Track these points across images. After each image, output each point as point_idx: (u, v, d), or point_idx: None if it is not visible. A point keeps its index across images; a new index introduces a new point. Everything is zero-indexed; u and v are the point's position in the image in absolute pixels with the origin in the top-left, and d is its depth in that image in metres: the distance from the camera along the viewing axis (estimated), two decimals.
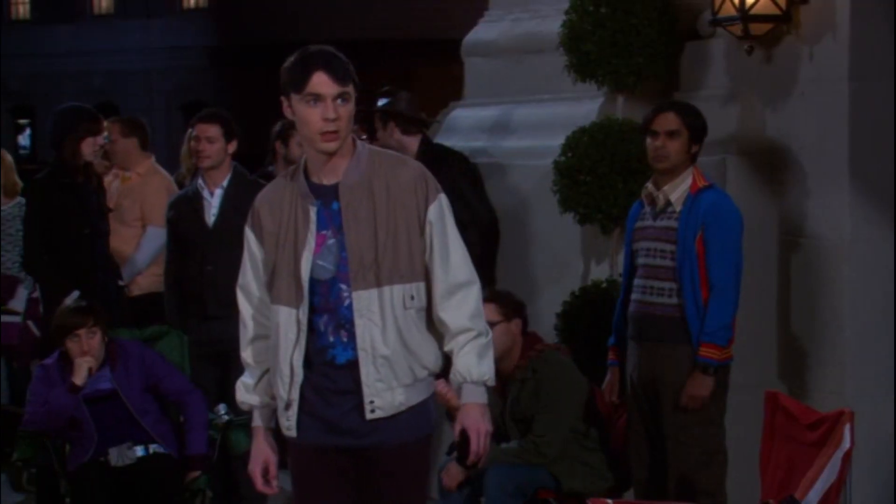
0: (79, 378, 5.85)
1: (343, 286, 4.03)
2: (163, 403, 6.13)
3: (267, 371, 4.20)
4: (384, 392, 4.04)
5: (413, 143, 6.95)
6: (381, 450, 4.09)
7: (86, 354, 5.91)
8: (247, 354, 4.23)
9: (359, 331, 4.02)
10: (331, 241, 4.05)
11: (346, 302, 4.03)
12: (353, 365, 4.04)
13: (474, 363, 4.09)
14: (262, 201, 4.17)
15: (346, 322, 4.04)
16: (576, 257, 6.86)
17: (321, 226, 4.05)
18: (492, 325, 5.47)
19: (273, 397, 4.19)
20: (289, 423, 4.11)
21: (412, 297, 4.06)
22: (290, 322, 4.06)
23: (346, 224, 4.04)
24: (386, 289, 4.02)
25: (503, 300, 5.86)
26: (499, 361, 5.79)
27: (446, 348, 4.15)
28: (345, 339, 4.04)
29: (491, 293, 5.87)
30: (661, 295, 5.49)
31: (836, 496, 4.68)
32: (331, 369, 4.06)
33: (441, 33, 20.46)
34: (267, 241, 4.11)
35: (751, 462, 5.31)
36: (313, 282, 4.04)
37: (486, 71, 7.79)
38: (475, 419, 4.10)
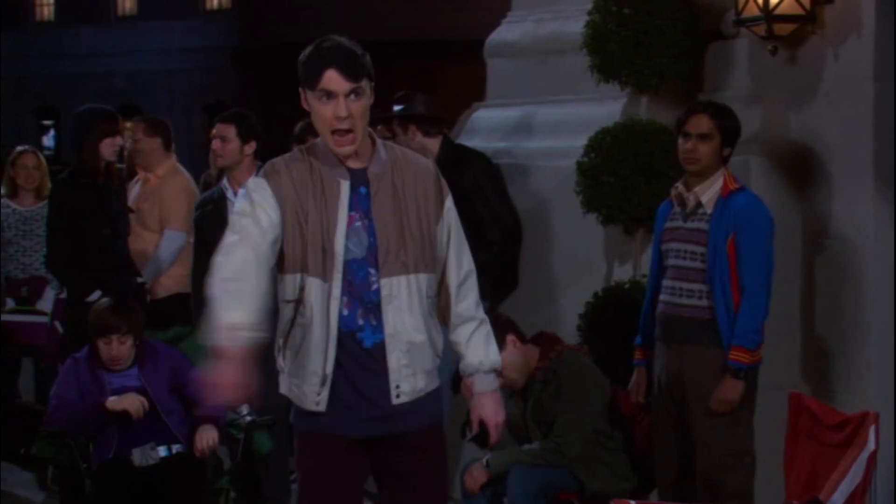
0: (112, 404, 5.88)
1: (372, 270, 4.05)
2: (186, 404, 6.15)
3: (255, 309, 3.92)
4: (409, 377, 4.09)
5: (434, 144, 6.94)
6: (405, 436, 4.13)
7: (113, 360, 5.95)
8: (240, 286, 3.88)
9: (387, 317, 4.04)
10: (357, 224, 4.06)
11: (374, 287, 4.05)
12: (380, 349, 4.06)
13: (484, 353, 4.21)
14: (282, 168, 4.05)
15: (373, 307, 4.05)
16: (598, 258, 6.84)
17: (350, 206, 4.05)
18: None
19: (262, 331, 3.94)
20: (319, 399, 4.05)
21: (431, 287, 4.14)
22: (323, 295, 4.02)
23: (376, 211, 4.06)
24: (413, 276, 4.07)
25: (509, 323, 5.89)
26: (518, 378, 5.81)
27: (452, 336, 4.23)
28: (374, 323, 4.06)
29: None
30: (690, 297, 5.47)
31: (861, 498, 4.66)
32: (359, 352, 4.06)
33: (463, 34, 20.45)
34: (288, 208, 4.00)
35: (775, 463, 5.29)
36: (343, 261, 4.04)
37: (509, 71, 7.78)
38: (491, 407, 4.21)
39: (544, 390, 5.80)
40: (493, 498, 5.81)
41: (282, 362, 4.15)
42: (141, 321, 6.06)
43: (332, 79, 3.97)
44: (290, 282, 4.06)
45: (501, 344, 5.76)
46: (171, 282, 7.54)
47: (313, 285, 4.03)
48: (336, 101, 3.98)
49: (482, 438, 4.25)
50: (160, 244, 7.58)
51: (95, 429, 5.90)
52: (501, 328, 5.82)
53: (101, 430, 5.90)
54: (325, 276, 4.02)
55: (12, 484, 7.63)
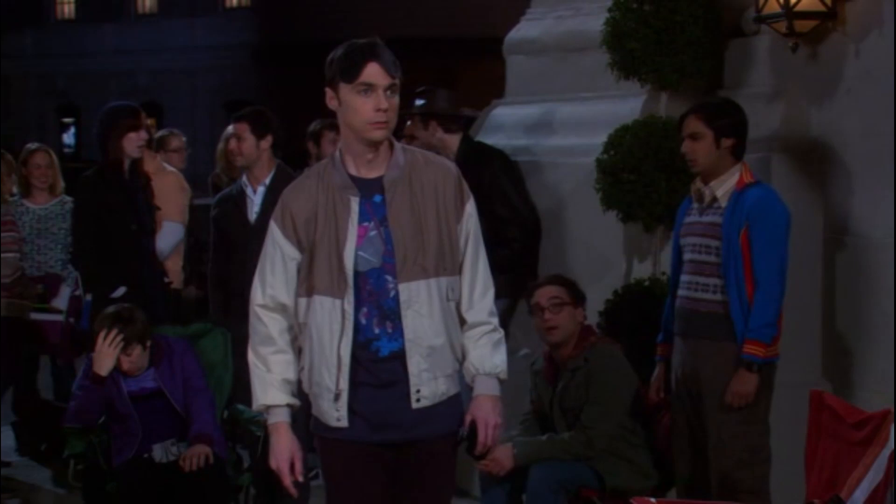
0: (101, 369, 5.85)
1: (388, 277, 4.07)
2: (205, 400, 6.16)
3: (287, 375, 4.18)
4: (430, 382, 4.10)
5: (454, 141, 6.95)
6: (423, 442, 4.13)
7: (127, 373, 5.93)
8: (273, 362, 4.17)
9: (406, 322, 4.05)
10: (373, 234, 4.08)
11: (392, 293, 4.06)
12: (398, 356, 4.07)
13: (488, 355, 4.18)
14: (292, 198, 4.15)
15: (391, 313, 4.06)
16: (618, 256, 6.84)
17: (363, 217, 4.08)
18: (562, 304, 5.70)
19: (294, 395, 4.18)
20: (339, 415, 4.10)
21: (452, 290, 4.13)
22: (333, 312, 4.06)
23: (392, 217, 4.07)
24: (433, 281, 4.08)
25: (573, 286, 5.86)
26: (560, 346, 5.79)
27: (463, 339, 4.21)
28: (390, 331, 4.07)
29: (561, 278, 5.91)
30: (706, 291, 5.47)
31: (882, 496, 4.63)
32: (373, 364, 4.08)
33: (483, 31, 20.45)
34: (302, 237, 4.11)
35: (796, 461, 5.27)
36: (354, 274, 4.06)
37: (529, 69, 7.78)
38: (486, 411, 4.16)
39: (573, 378, 5.79)
40: (512, 493, 5.79)
41: (305, 384, 4.20)
42: (143, 324, 5.96)
43: (375, 72, 4.01)
44: (302, 304, 4.13)
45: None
46: (172, 277, 7.55)
47: (322, 304, 4.08)
48: (376, 94, 4.01)
49: (471, 441, 4.19)
50: (160, 235, 7.56)
51: (118, 417, 5.90)
52: (580, 296, 5.82)
53: (123, 420, 5.90)
54: (336, 293, 4.06)
55: (33, 480, 7.67)
